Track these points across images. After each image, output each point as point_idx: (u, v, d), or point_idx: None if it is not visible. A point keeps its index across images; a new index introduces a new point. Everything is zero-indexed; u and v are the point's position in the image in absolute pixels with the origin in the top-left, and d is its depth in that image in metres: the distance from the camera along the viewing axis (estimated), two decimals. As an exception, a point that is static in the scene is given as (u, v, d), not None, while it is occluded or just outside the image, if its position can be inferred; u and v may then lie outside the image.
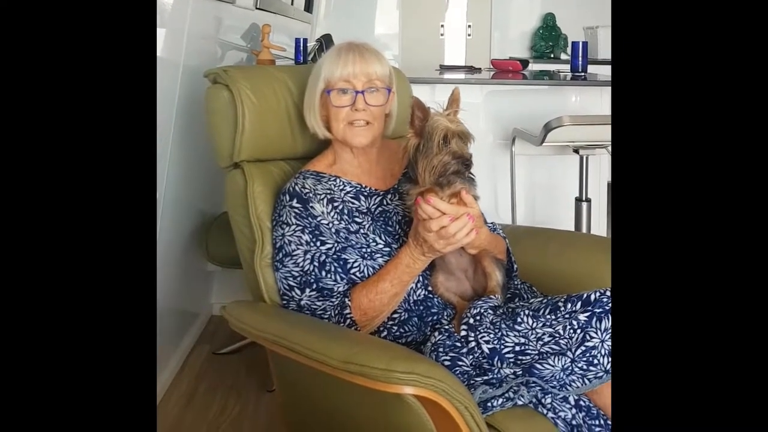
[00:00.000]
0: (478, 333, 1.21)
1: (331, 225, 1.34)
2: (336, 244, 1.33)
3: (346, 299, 1.29)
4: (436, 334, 1.26)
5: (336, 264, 1.31)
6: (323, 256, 1.31)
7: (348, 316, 1.29)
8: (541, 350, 1.18)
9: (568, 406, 1.17)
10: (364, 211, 1.37)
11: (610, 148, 2.43)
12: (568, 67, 2.97)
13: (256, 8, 2.74)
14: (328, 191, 1.38)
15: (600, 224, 2.70)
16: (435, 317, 1.32)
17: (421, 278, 1.34)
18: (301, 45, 2.76)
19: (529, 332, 1.20)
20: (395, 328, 1.32)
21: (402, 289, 1.30)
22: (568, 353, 1.16)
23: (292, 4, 3.57)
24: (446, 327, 1.27)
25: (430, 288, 1.34)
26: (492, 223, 1.51)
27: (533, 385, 1.17)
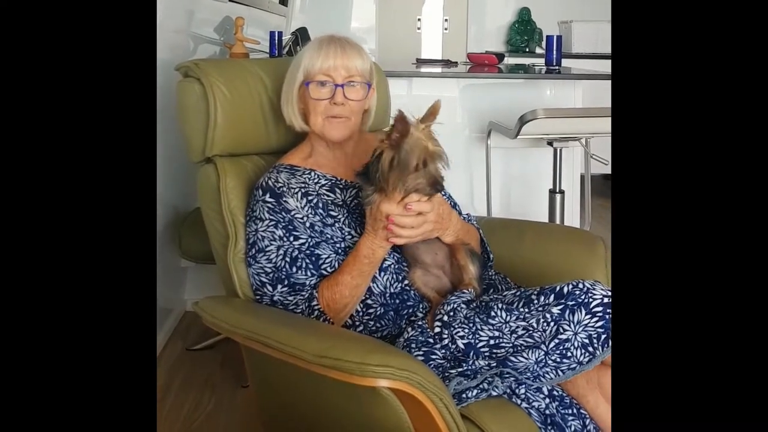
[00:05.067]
0: (452, 329, 1.22)
1: (305, 219, 1.33)
2: (309, 239, 1.32)
3: (315, 291, 1.29)
4: (410, 329, 1.26)
5: (308, 260, 1.30)
6: (295, 252, 1.30)
7: (316, 307, 1.28)
8: (516, 343, 1.19)
9: (541, 396, 1.18)
10: (340, 203, 1.37)
11: (583, 140, 2.46)
12: (542, 60, 3.00)
13: (230, 0, 2.71)
14: (303, 185, 1.37)
15: (573, 215, 2.73)
16: (411, 310, 1.32)
17: (395, 273, 1.34)
18: (276, 38, 2.74)
19: (503, 326, 1.20)
20: (371, 322, 1.32)
21: (363, 281, 1.29)
22: (542, 346, 1.17)
23: (266, -4, 3.54)
24: (420, 323, 1.27)
25: (406, 281, 1.34)
26: (467, 214, 1.51)
27: (507, 375, 1.17)
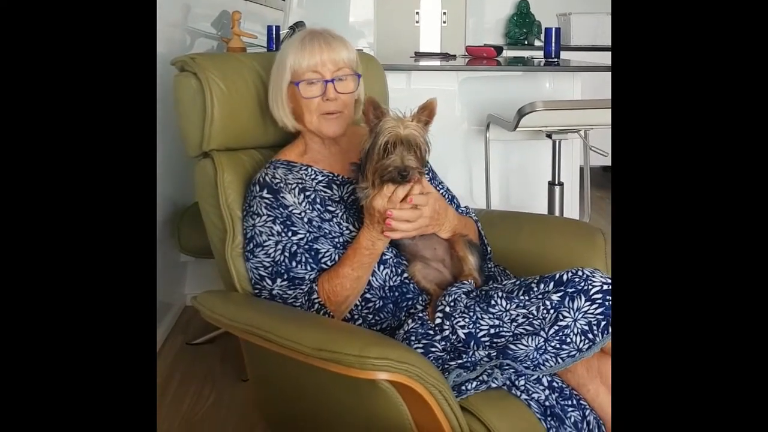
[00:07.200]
0: (453, 319, 1.22)
1: (302, 214, 1.33)
2: (308, 234, 1.32)
3: (314, 285, 1.29)
4: (410, 321, 1.26)
5: (307, 254, 1.30)
6: (294, 247, 1.30)
7: (316, 300, 1.28)
8: (516, 331, 1.19)
9: (541, 387, 1.18)
10: (337, 199, 1.37)
11: (582, 132, 2.45)
12: (541, 53, 2.99)
13: (227, -6, 2.70)
14: (300, 181, 1.36)
15: (572, 207, 2.73)
16: (410, 302, 1.32)
17: (394, 266, 1.33)
18: (274, 33, 2.73)
19: (504, 314, 1.20)
20: (370, 316, 1.32)
21: (364, 273, 1.29)
22: (542, 333, 1.17)
23: (264, -10, 3.52)
24: (420, 315, 1.27)
25: (405, 274, 1.34)
26: (465, 207, 1.51)
27: (507, 367, 1.18)
